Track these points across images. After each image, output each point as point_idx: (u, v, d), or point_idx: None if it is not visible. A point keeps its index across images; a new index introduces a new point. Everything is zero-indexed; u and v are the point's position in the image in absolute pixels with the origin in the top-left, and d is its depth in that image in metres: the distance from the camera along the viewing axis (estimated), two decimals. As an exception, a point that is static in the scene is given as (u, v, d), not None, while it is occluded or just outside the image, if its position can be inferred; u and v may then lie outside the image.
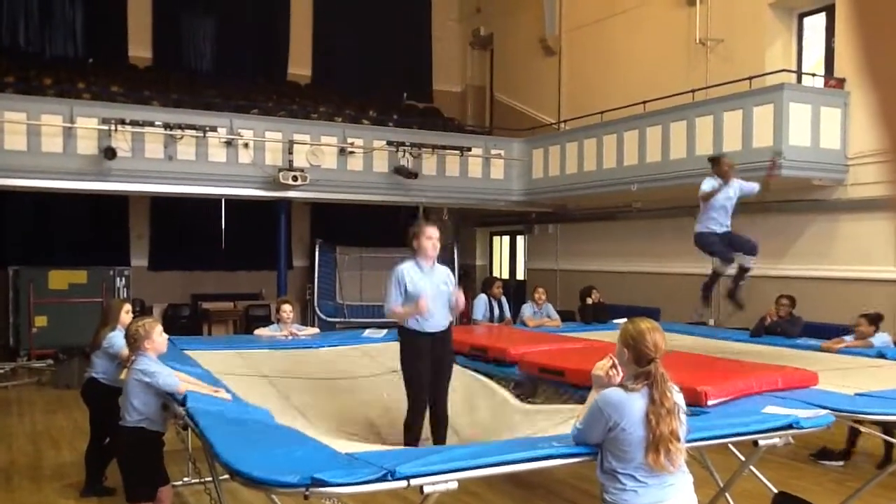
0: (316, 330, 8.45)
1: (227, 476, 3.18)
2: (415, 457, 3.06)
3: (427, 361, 5.14)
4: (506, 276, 16.53)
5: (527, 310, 9.23)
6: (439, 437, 5.23)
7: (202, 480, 5.48)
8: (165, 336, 4.83)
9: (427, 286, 5.12)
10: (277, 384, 5.94)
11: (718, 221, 6.97)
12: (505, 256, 17.26)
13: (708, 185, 6.95)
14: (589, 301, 9.65)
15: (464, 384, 5.99)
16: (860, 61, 1.01)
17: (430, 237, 5.20)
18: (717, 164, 7.10)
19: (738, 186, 7.04)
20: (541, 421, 4.94)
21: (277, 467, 2.93)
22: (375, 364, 6.75)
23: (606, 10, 13.80)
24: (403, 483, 2.83)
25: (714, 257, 7.13)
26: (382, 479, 2.81)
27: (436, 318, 5.17)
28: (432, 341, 5.17)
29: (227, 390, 4.77)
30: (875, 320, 6.95)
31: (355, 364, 6.85)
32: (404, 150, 13.01)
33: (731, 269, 7.14)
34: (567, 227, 14.98)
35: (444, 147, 13.45)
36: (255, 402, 4.66)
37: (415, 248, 5.22)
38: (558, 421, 4.59)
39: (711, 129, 10.51)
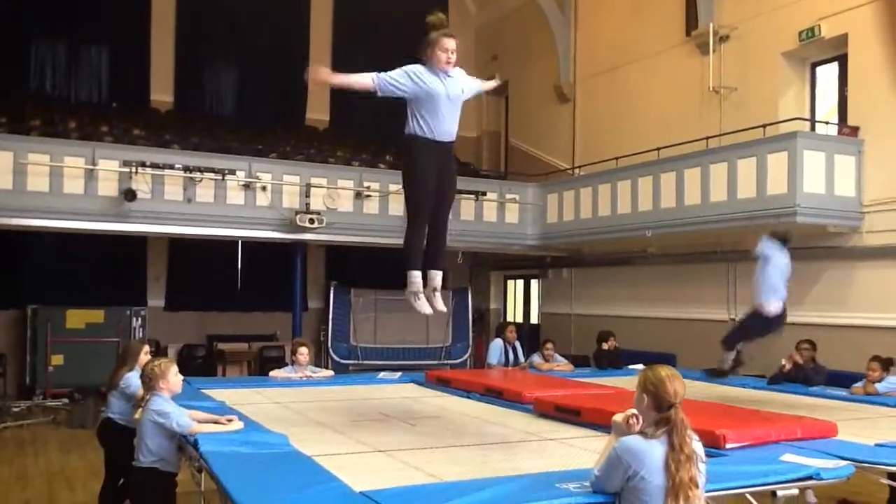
0: (331, 372, 8.49)
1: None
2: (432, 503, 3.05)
3: (432, 172, 4.94)
4: (520, 319, 16.50)
5: (536, 358, 9.42)
6: (433, 249, 5.18)
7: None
8: (180, 376, 4.86)
9: (441, 90, 4.84)
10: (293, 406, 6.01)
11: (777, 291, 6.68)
12: (519, 300, 17.24)
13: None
14: (605, 346, 9.63)
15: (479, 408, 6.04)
16: None
17: (447, 49, 4.79)
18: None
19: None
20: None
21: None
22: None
23: (620, 59, 13.99)
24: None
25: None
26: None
27: (448, 126, 4.96)
28: (438, 152, 4.95)
29: (242, 417, 4.81)
30: (888, 365, 6.90)
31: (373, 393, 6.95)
32: (420, 194, 13.08)
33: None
34: (582, 271, 14.98)
35: (459, 191, 13.51)
36: (270, 425, 4.70)
37: (427, 59, 4.86)
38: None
39: (726, 175, 10.56)
